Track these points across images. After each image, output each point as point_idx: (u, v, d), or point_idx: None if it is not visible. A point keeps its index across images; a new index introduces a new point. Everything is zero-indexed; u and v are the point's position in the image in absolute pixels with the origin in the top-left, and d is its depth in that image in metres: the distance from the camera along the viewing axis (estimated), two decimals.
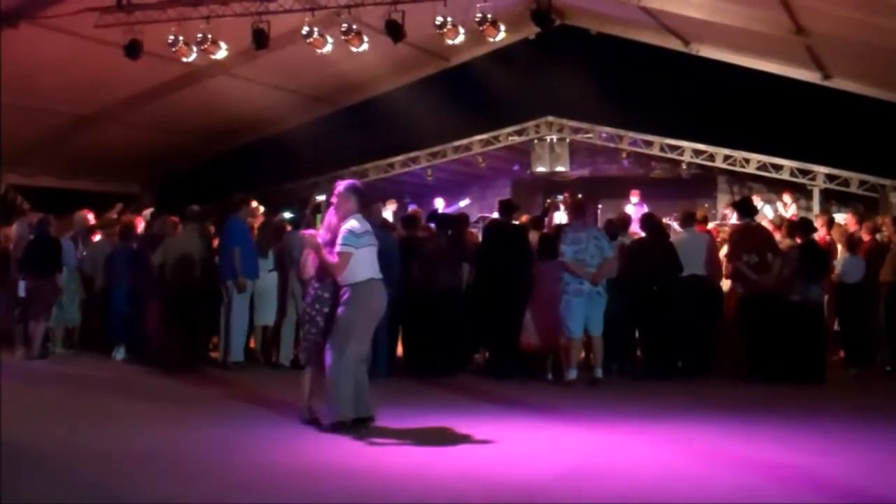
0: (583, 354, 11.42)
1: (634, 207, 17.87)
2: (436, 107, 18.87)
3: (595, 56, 18.41)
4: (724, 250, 12.14)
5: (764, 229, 12.10)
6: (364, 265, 8.02)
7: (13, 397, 9.19)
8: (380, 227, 11.41)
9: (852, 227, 13.41)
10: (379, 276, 8.15)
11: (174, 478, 6.62)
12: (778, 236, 12.30)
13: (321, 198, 8.16)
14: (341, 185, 8.25)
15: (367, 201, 8.43)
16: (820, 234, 12.88)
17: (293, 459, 7.15)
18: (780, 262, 11.35)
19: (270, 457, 7.21)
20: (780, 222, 13.46)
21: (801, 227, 12.00)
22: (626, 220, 12.99)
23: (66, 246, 12.93)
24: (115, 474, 6.70)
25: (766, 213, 16.57)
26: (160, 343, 11.94)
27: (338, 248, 7.94)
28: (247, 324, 12.13)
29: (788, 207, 17.92)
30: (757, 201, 17.68)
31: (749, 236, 11.59)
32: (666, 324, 11.49)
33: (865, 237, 12.80)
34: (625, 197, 19.15)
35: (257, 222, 12.87)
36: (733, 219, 14.35)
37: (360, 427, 7.93)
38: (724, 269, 11.85)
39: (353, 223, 8.04)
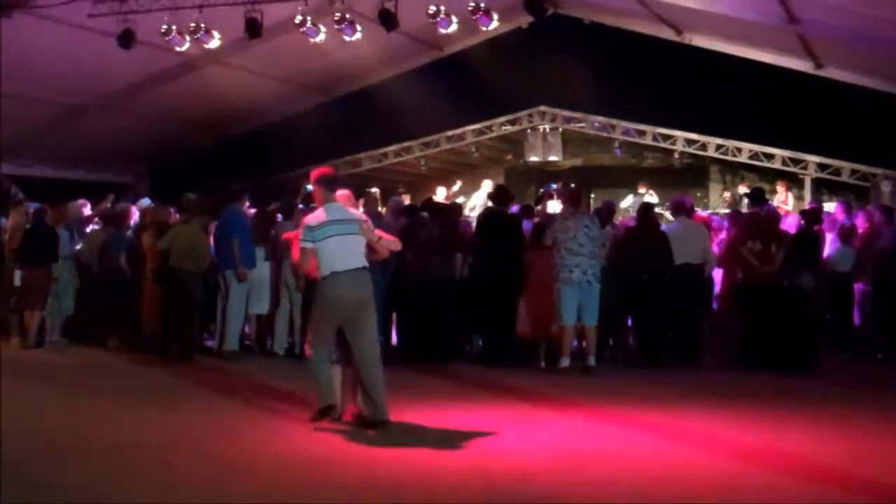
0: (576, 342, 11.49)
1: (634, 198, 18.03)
2: (429, 96, 18.88)
3: (588, 45, 18.40)
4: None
5: (772, 219, 12.11)
6: (325, 260, 7.58)
7: (8, 388, 9.17)
8: (375, 216, 11.52)
9: (839, 217, 13.47)
10: (347, 267, 7.56)
11: (167, 468, 6.64)
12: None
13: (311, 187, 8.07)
14: (312, 175, 8.02)
15: (334, 188, 7.84)
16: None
17: (288, 449, 7.16)
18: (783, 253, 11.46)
19: (266, 446, 7.23)
20: None
21: (804, 215, 12.26)
22: (612, 210, 13.05)
23: (62, 236, 12.95)
24: (108, 464, 6.71)
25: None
26: (155, 331, 11.97)
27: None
28: (243, 313, 12.17)
29: (787, 200, 17.88)
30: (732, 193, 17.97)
31: (757, 224, 11.64)
32: (658, 312, 11.56)
33: (863, 225, 12.92)
34: (617, 186, 19.23)
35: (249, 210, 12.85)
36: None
37: (376, 427, 7.63)
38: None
39: (311, 217, 7.80)
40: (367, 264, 7.76)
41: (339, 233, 7.60)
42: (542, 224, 11.78)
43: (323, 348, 7.73)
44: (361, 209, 8.19)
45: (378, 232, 8.08)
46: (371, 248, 7.88)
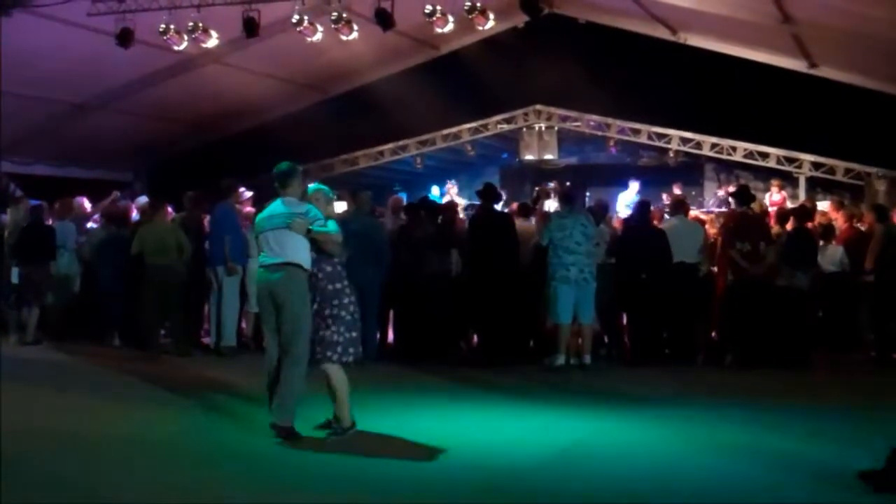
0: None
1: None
2: (425, 95, 18.92)
3: (583, 45, 18.48)
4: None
5: (759, 218, 12.12)
6: (261, 252, 7.75)
7: (6, 386, 9.17)
8: (368, 214, 11.59)
9: (833, 216, 13.56)
10: (269, 261, 7.52)
11: (164, 465, 6.72)
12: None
13: (312, 186, 8.08)
14: None
15: (286, 184, 7.66)
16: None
17: (282, 446, 7.18)
18: (773, 251, 11.49)
19: (261, 443, 7.26)
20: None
21: (795, 213, 12.22)
22: (607, 208, 13.11)
23: (68, 229, 13.01)
24: (105, 462, 6.78)
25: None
26: (145, 330, 12.03)
27: None
28: (238, 309, 12.22)
29: (784, 201, 17.86)
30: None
31: (744, 224, 11.66)
32: (654, 310, 11.61)
33: (843, 225, 12.99)
34: (612, 185, 19.29)
35: (245, 207, 12.89)
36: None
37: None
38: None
39: (263, 212, 7.97)
40: (294, 260, 7.48)
41: (272, 227, 7.60)
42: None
43: (268, 345, 7.69)
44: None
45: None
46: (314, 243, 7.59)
